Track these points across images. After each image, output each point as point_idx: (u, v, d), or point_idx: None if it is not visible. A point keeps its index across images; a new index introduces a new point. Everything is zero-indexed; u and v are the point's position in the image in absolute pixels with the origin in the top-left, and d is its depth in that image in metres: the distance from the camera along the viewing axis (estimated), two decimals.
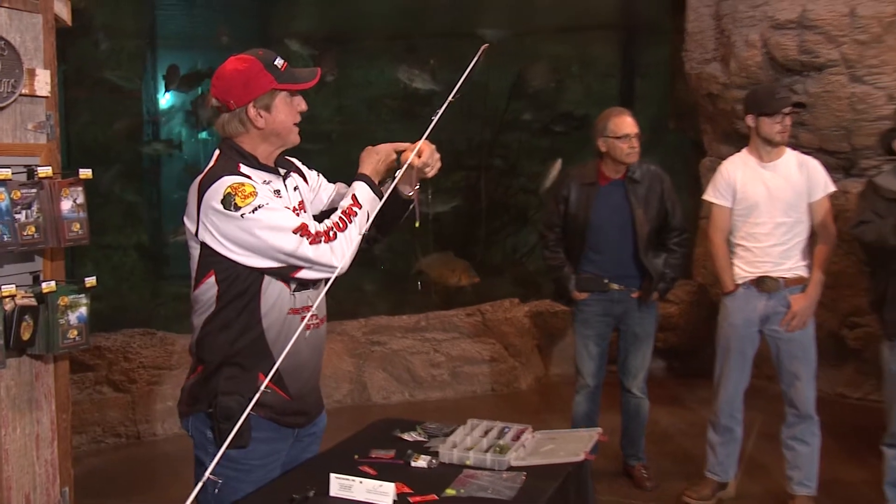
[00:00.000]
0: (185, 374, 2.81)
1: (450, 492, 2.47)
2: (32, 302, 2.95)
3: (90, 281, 3.13)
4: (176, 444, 5.29)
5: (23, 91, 2.97)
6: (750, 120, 4.36)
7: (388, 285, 8.08)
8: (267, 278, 2.53)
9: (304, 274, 2.53)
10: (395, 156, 2.71)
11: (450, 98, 2.61)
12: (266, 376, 2.38)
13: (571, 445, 2.83)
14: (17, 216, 2.84)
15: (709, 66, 6.57)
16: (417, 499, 2.42)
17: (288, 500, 2.38)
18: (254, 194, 2.47)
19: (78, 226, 3.04)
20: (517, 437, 2.86)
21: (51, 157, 3.10)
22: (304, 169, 2.85)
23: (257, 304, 2.55)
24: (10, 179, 2.84)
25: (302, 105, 2.65)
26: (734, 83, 6.27)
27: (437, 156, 2.70)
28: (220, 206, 2.46)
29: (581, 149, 7.19)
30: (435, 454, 2.72)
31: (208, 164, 2.63)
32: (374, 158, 2.70)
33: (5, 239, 2.81)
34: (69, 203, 3.01)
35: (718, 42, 6.49)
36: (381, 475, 2.52)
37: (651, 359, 4.84)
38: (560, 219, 4.68)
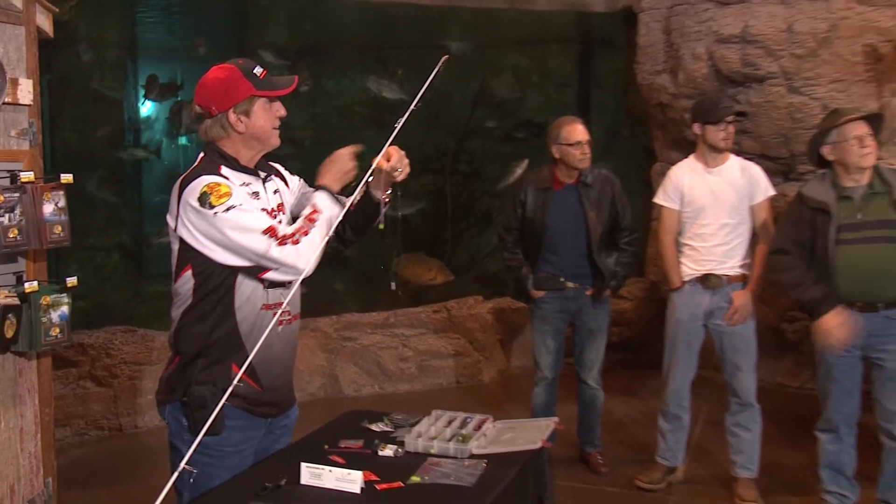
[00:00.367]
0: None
1: (415, 479, 2.48)
2: (16, 301, 2.93)
3: (71, 281, 3.10)
4: (156, 436, 5.23)
5: (6, 100, 2.94)
6: (696, 128, 4.41)
7: (358, 284, 8.06)
8: (241, 274, 2.53)
9: (270, 275, 2.52)
10: (352, 163, 2.70)
11: (412, 105, 2.62)
12: (239, 367, 2.38)
13: (529, 434, 2.84)
14: (0, 219, 2.81)
15: (659, 77, 6.62)
16: (384, 486, 2.42)
17: (260, 488, 2.38)
18: (228, 195, 2.46)
19: (59, 228, 3.01)
20: (479, 427, 2.87)
21: (33, 162, 3.07)
22: (286, 174, 2.85)
23: (231, 298, 2.54)
24: None
25: (281, 111, 2.65)
26: (682, 93, 6.32)
27: (406, 161, 2.70)
28: (197, 204, 2.46)
29: (540, 154, 7.22)
30: (401, 443, 2.73)
31: (191, 166, 2.63)
32: (333, 168, 2.69)
33: None
34: (51, 206, 2.98)
35: (668, 55, 6.54)
36: (350, 464, 2.52)
37: (605, 352, 4.85)
38: (518, 222, 4.69)
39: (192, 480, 2.45)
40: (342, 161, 2.70)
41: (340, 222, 2.68)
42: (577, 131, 4.53)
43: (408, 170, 2.72)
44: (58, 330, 3.04)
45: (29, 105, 3.06)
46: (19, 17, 3.04)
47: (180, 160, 8.15)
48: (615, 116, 8.31)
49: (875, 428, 3.95)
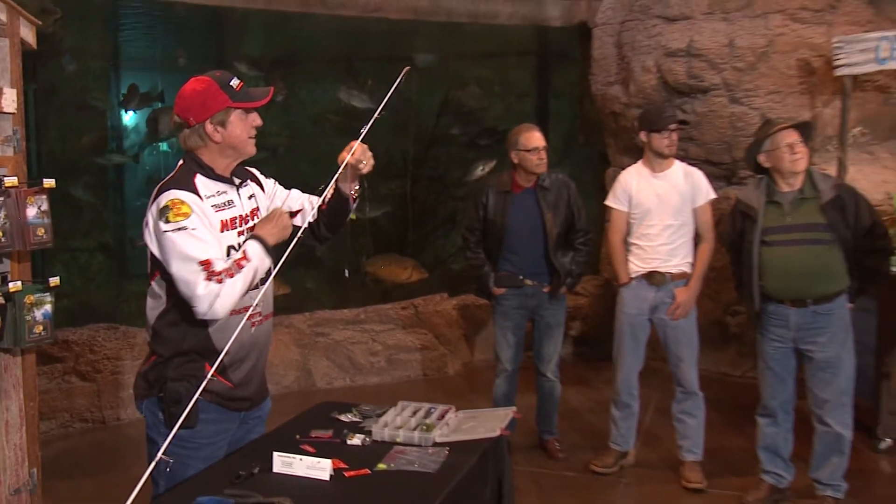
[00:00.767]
0: None
1: (381, 466, 2.48)
2: (0, 300, 2.88)
3: (54, 281, 3.06)
4: (138, 428, 5.08)
5: None
6: (642, 136, 4.45)
7: (330, 283, 8.04)
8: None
9: (187, 300, 2.44)
10: (290, 221, 2.64)
11: (377, 113, 2.63)
12: (212, 366, 2.37)
13: (489, 423, 2.86)
14: None
15: (612, 88, 6.67)
16: (352, 473, 2.43)
17: (234, 476, 2.37)
18: (186, 215, 2.43)
19: (42, 230, 2.97)
20: (442, 417, 2.88)
21: (17, 168, 3.03)
22: (261, 178, 2.83)
23: None
24: None
25: (257, 121, 2.63)
26: (633, 103, 6.37)
27: (370, 154, 2.70)
28: (157, 216, 2.45)
29: (503, 159, 7.26)
30: (368, 433, 2.73)
31: (171, 172, 2.62)
32: (271, 223, 2.61)
33: None
34: (34, 210, 2.94)
35: (620, 67, 6.58)
36: (320, 452, 2.52)
37: (562, 345, 4.89)
38: (480, 223, 4.70)
39: (168, 470, 2.43)
40: (282, 218, 2.64)
41: (314, 220, 2.71)
42: (534, 138, 4.55)
43: (372, 162, 2.71)
44: (41, 328, 3.00)
45: (13, 113, 3.03)
46: (3, 29, 3.00)
47: (161, 165, 8.07)
48: (571, 124, 8.34)
49: (809, 413, 4.02)
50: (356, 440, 2.68)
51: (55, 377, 5.45)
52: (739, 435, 4.94)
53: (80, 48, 7.54)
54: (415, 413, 2.92)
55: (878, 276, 3.99)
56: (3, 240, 2.83)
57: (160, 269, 2.51)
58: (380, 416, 2.88)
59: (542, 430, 4.94)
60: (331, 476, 2.37)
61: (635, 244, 4.46)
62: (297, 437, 2.71)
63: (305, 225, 2.70)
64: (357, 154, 2.66)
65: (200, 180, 2.55)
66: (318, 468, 2.38)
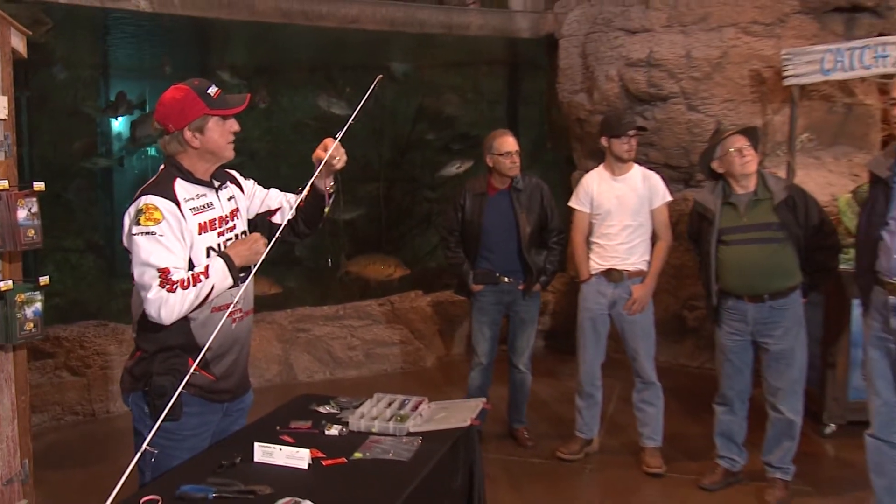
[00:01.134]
0: None
1: (357, 455, 2.49)
2: None
3: (44, 280, 3.03)
4: (127, 421, 5.01)
5: None
6: (603, 141, 4.47)
7: (311, 281, 8.01)
8: None
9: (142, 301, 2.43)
10: (264, 250, 2.56)
11: (351, 118, 2.64)
12: (195, 361, 2.36)
13: (461, 413, 2.86)
14: None
15: (577, 96, 6.69)
16: (329, 462, 2.43)
17: (217, 466, 2.36)
18: (156, 221, 2.41)
19: (32, 231, 2.94)
20: (415, 408, 2.89)
21: (8, 172, 2.99)
22: (240, 179, 2.82)
23: None
24: None
25: (234, 126, 2.61)
26: (597, 110, 6.39)
27: (342, 150, 2.70)
28: (133, 217, 2.44)
29: (475, 162, 7.28)
30: (345, 424, 2.74)
31: (154, 176, 2.61)
32: (244, 246, 2.57)
33: None
34: (25, 212, 2.91)
35: (585, 76, 6.61)
36: (299, 443, 2.52)
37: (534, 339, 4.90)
38: (458, 224, 4.71)
39: (153, 461, 2.43)
40: (257, 244, 2.58)
41: (293, 217, 2.72)
42: (508, 143, 4.57)
43: (345, 158, 2.71)
44: (32, 325, 2.97)
45: (4, 119, 2.98)
46: None
47: (148, 169, 8.01)
48: (540, 130, 8.37)
49: (762, 401, 4.07)
50: (334, 430, 2.68)
51: (47, 372, 5.38)
52: (696, 422, 4.98)
53: (71, 57, 7.47)
54: (389, 404, 2.92)
55: (828, 271, 4.06)
56: None
57: None
58: (356, 407, 2.88)
59: (512, 420, 4.96)
60: (309, 465, 2.38)
61: (596, 243, 4.49)
62: (278, 427, 2.71)
63: (285, 222, 2.71)
64: (330, 150, 2.65)
65: (180, 184, 2.54)
66: (297, 457, 2.38)
